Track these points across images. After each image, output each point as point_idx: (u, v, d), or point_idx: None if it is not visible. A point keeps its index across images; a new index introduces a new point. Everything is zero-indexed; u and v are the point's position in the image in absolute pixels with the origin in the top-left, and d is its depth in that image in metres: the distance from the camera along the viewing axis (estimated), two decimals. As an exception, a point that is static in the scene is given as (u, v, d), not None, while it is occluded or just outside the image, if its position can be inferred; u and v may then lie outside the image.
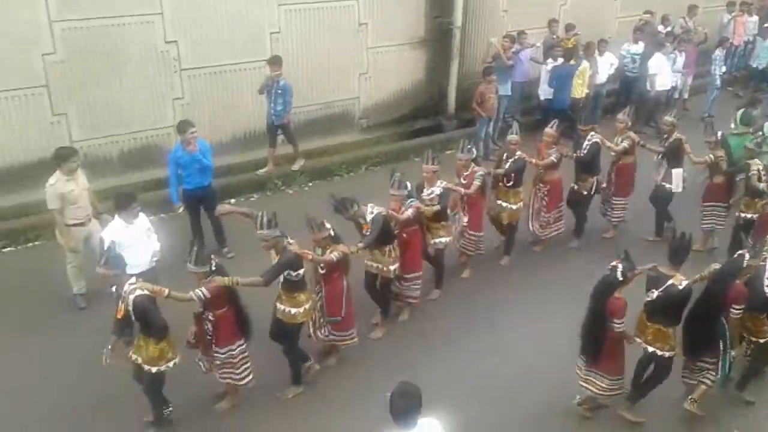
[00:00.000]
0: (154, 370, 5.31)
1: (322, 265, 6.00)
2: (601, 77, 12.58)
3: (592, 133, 8.42)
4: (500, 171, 7.92)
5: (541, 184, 8.38)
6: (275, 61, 9.49)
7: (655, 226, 8.95)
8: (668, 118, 8.65)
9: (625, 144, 8.45)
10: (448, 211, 7.41)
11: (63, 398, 6.05)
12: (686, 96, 14.29)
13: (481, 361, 6.68)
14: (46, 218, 8.08)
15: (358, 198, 6.60)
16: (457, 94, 12.16)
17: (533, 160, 8.07)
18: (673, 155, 8.48)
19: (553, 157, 8.10)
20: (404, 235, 6.86)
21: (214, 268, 5.42)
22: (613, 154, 8.59)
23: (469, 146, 7.57)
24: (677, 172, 8.52)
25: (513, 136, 7.94)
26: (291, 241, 5.71)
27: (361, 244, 6.25)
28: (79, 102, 8.84)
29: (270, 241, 5.61)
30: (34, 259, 8.10)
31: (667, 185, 8.62)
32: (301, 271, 5.74)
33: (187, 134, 7.63)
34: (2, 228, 8.43)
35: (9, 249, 8.39)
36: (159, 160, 9.60)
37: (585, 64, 11.91)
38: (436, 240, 7.36)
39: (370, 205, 6.45)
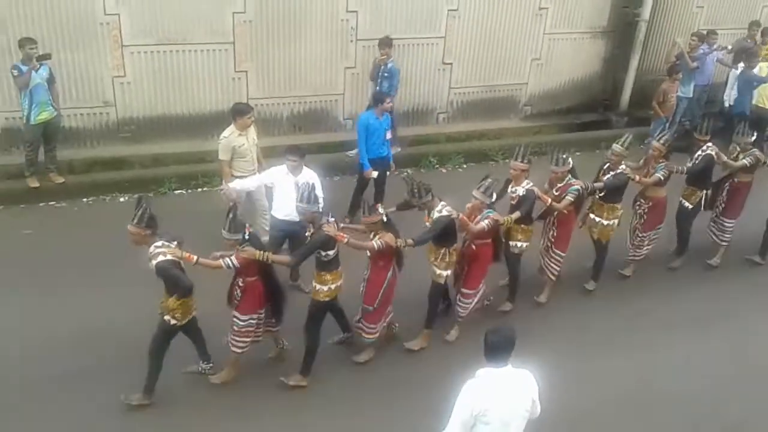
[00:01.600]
0: (167, 318, 5.33)
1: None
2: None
3: (709, 144, 7.51)
4: (599, 185, 6.99)
5: (642, 200, 7.47)
6: (385, 43, 9.21)
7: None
8: None
9: (746, 161, 7.56)
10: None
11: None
12: None
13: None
14: (217, 167, 8.65)
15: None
16: (632, 90, 11.55)
17: (637, 177, 7.10)
18: None
19: (659, 174, 7.09)
20: (473, 247, 6.33)
21: (247, 237, 5.43)
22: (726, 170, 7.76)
23: (564, 156, 6.70)
24: None
25: (617, 147, 6.94)
26: (330, 219, 5.63)
27: (410, 241, 5.82)
28: (259, 61, 9.27)
29: (307, 216, 5.58)
30: (199, 204, 8.60)
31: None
32: (331, 252, 5.59)
33: (385, 103, 7.92)
34: (177, 171, 9.06)
35: (179, 191, 9.00)
36: (324, 125, 9.96)
37: (782, 73, 10.82)
38: (512, 243, 6.78)
39: (442, 203, 6.01)
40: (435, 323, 6.50)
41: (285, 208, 6.63)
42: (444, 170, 10.19)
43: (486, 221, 6.08)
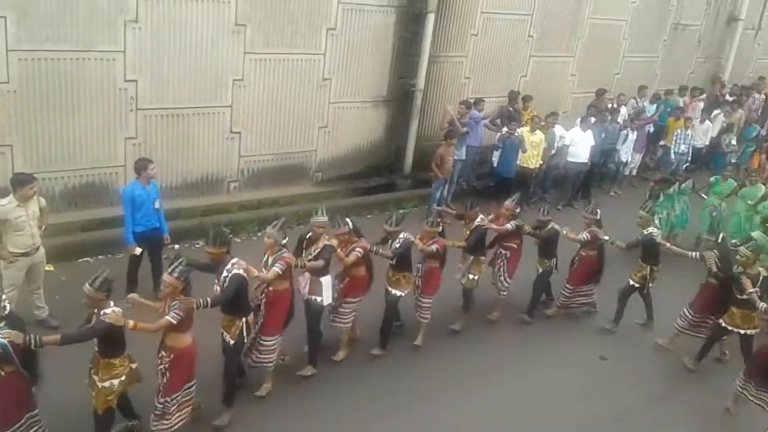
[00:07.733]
0: None
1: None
2: (551, 149, 12.90)
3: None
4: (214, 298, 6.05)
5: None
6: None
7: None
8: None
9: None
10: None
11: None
12: (635, 173, 14.80)
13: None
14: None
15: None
16: (414, 155, 12.28)
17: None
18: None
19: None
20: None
21: (6, 314, 5.12)
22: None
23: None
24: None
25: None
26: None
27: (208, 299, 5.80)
28: (26, 134, 8.54)
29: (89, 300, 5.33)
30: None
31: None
32: None
33: (148, 170, 7.65)
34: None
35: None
36: (105, 199, 9.38)
37: (540, 135, 12.20)
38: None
39: (232, 261, 6.03)
40: None
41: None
42: (238, 239, 10.02)
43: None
